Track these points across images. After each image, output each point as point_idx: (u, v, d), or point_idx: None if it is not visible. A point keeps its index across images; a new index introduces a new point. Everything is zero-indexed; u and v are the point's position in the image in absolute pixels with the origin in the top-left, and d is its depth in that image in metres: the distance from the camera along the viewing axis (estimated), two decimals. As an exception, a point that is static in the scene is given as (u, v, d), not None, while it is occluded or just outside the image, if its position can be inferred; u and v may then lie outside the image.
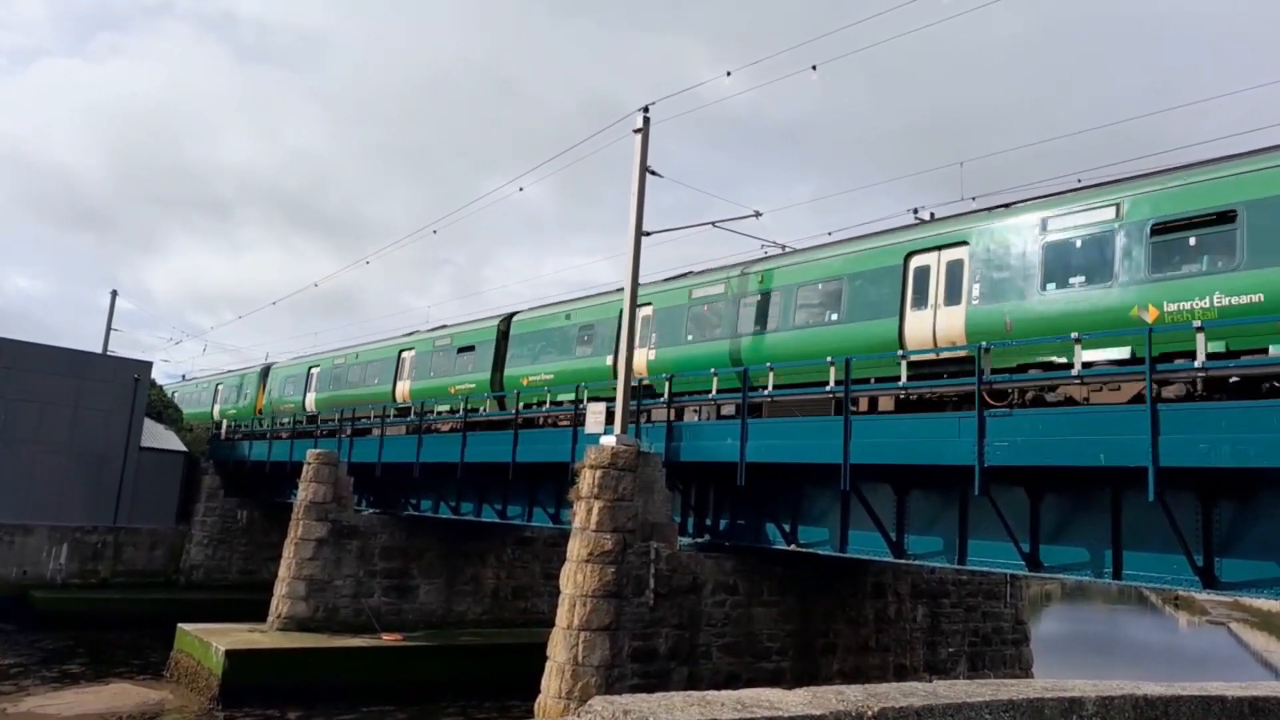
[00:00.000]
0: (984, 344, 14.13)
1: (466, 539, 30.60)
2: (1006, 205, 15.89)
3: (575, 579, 17.05)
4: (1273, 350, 11.93)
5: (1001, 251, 15.21)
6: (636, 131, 19.60)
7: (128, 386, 40.09)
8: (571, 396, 23.16)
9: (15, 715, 21.96)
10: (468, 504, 26.97)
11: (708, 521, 19.73)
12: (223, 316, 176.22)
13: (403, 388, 32.06)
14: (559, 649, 16.78)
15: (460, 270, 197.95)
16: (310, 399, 39.20)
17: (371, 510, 30.52)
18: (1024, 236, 14.97)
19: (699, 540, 19.41)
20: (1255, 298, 11.99)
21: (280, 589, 28.05)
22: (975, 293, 15.45)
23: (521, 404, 24.43)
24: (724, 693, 3.75)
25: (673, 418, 19.35)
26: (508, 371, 27.04)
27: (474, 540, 30.81)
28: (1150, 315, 12.85)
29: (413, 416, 29.60)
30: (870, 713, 3.76)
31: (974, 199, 20.19)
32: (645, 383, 21.11)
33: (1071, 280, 14.20)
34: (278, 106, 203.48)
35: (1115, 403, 13.19)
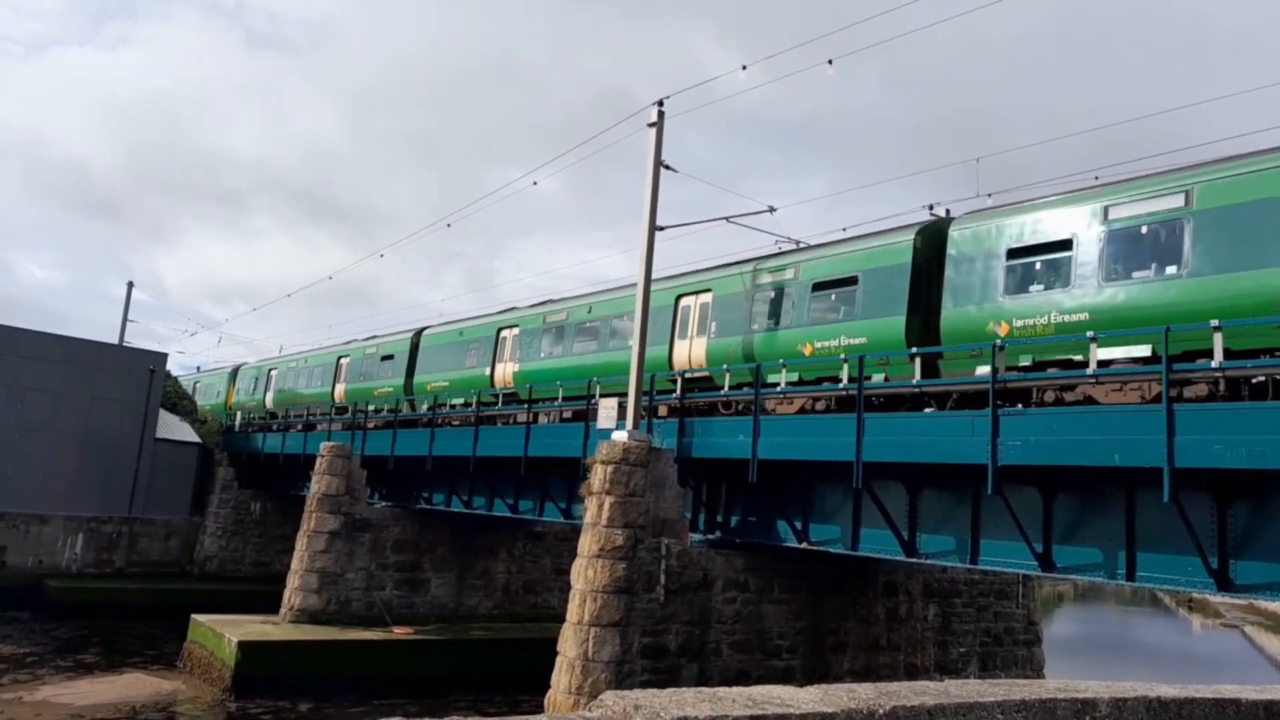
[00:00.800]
0: (998, 342, 14.08)
1: (478, 533, 30.69)
2: (740, 262, 20.60)
3: (586, 574, 17.07)
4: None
5: (730, 298, 20.12)
6: (651, 125, 19.56)
7: (143, 378, 40.35)
8: (462, 400, 28.19)
9: (30, 704, 22.16)
10: (480, 498, 27.05)
11: (719, 518, 19.72)
12: (234, 306, 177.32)
13: (340, 390, 37.26)
14: (569, 644, 16.80)
15: (472, 262, 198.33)
16: (269, 397, 44.27)
17: (384, 503, 30.63)
18: (745, 283, 19.97)
19: (710, 537, 19.39)
20: (861, 339, 16.83)
21: (293, 581, 28.20)
22: (713, 328, 20.64)
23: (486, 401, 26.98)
24: (735, 689, 3.74)
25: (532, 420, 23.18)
26: (416, 378, 31.83)
27: (485, 534, 30.89)
28: (808, 350, 17.94)
29: (422, 411, 29.90)
30: (882, 711, 3.75)
31: (989, 195, 20.07)
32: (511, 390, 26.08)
33: (766, 321, 19.28)
34: (287, 95, 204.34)
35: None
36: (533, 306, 27.59)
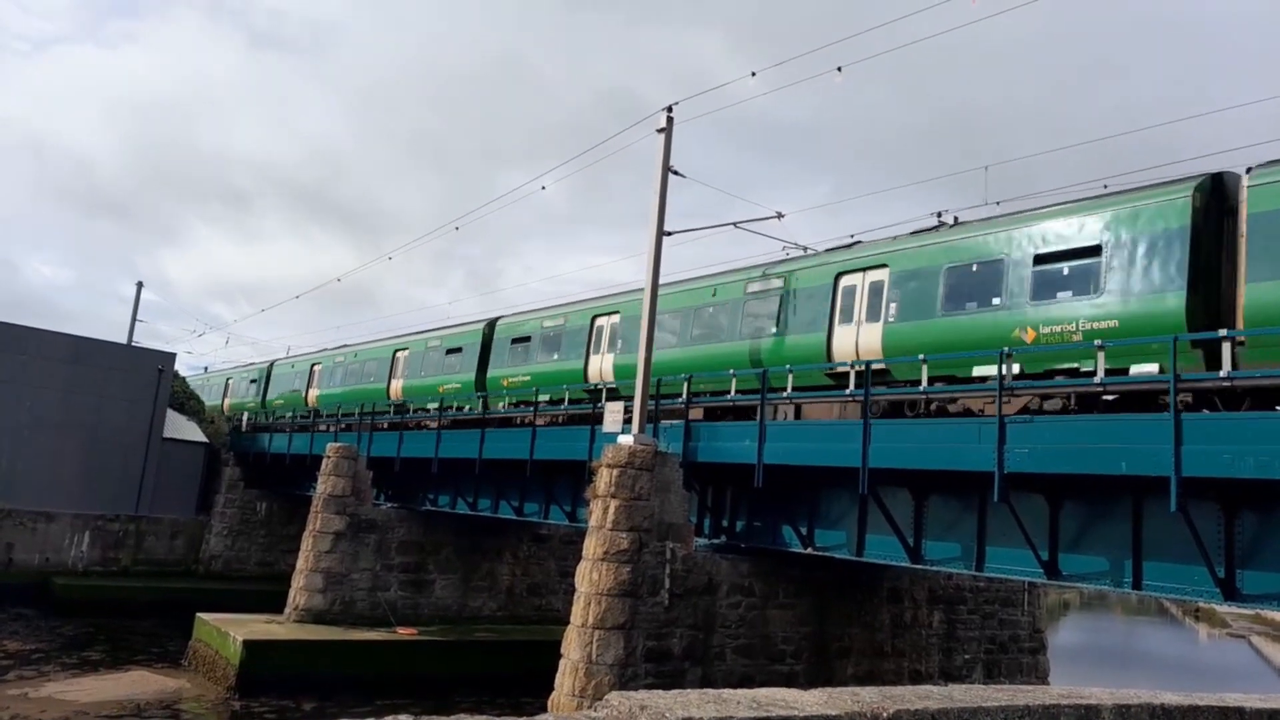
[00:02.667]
0: (1005, 349, 14.07)
1: (483, 535, 30.72)
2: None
3: (591, 577, 17.08)
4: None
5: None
6: (660, 131, 19.58)
7: (151, 377, 40.51)
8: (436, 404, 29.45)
9: (36, 700, 22.24)
10: (485, 500, 27.08)
11: (724, 523, 19.72)
12: (240, 306, 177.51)
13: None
14: (573, 647, 16.81)
15: (476, 264, 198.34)
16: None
17: (390, 504, 30.68)
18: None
19: (715, 541, 19.39)
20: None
21: (298, 581, 28.25)
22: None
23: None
24: (740, 691, 3.76)
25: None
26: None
27: (490, 536, 30.93)
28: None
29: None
30: (886, 714, 3.76)
31: (998, 203, 20.08)
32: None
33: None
34: (292, 95, 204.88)
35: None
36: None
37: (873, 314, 17.73)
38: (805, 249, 20.17)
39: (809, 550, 17.63)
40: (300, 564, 28.57)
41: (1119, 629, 66.80)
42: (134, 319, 52.49)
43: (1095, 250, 14.36)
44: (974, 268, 16.02)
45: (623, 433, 18.60)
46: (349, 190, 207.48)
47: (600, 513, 17.48)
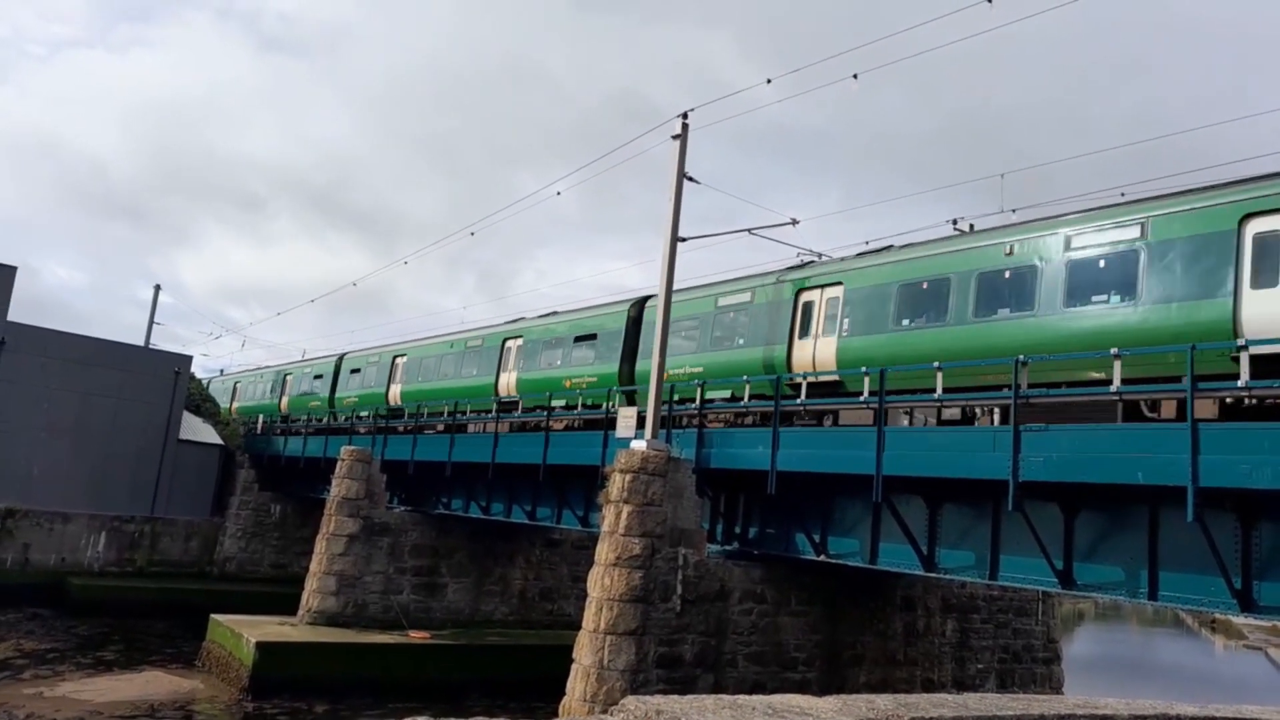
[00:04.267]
0: (1020, 357, 14.00)
1: (496, 539, 30.77)
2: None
3: (603, 582, 17.09)
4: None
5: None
6: (675, 138, 19.63)
7: (168, 380, 40.79)
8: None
9: (51, 699, 22.39)
10: (498, 504, 27.13)
11: (737, 529, 19.70)
12: (254, 309, 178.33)
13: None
14: (585, 652, 16.82)
15: (488, 268, 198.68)
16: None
17: (403, 508, 30.78)
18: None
19: (727, 548, 19.37)
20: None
21: (311, 583, 28.37)
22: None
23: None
24: (755, 697, 3.77)
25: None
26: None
27: (503, 541, 30.97)
28: None
29: (446, 417, 29.84)
30: (900, 722, 3.76)
31: (1014, 211, 20.02)
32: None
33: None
34: (303, 99, 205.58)
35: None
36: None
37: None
38: (820, 255, 20.17)
39: (822, 557, 17.59)
40: (314, 566, 28.69)
41: (1134, 640, 66.27)
42: (151, 321, 52.89)
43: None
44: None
45: (635, 438, 18.62)
46: (360, 193, 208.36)
47: (613, 518, 17.49)
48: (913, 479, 15.07)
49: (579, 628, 17.49)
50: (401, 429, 32.70)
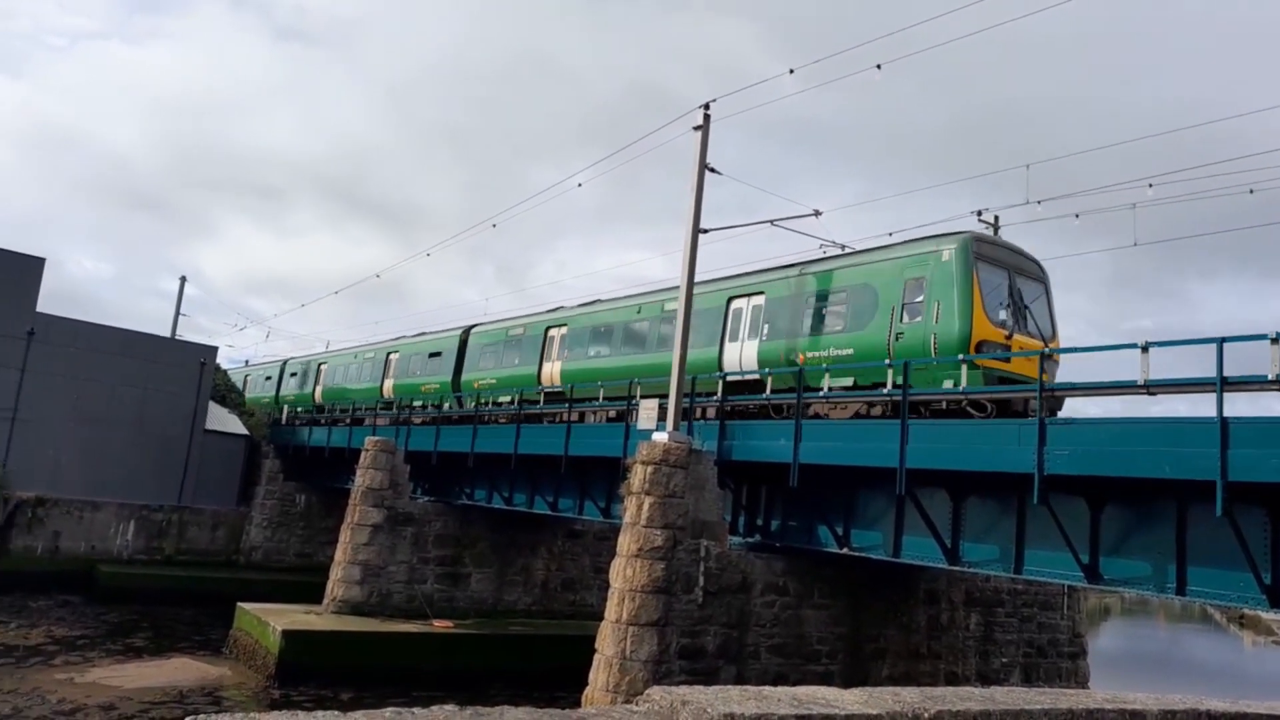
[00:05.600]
0: (1046, 349, 13.92)
1: (518, 530, 30.91)
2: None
3: (625, 573, 17.13)
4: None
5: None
6: (696, 129, 19.58)
7: (194, 370, 41.22)
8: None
9: (81, 685, 22.73)
10: (520, 495, 27.24)
11: (759, 521, 19.68)
12: (276, 300, 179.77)
13: (389, 386, 37.29)
14: (607, 642, 16.88)
15: (507, 258, 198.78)
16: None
17: (427, 498, 30.98)
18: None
19: (750, 540, 19.36)
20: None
21: (336, 573, 28.62)
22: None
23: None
24: (780, 689, 3.76)
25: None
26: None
27: (525, 531, 31.11)
28: None
29: (472, 407, 30.06)
30: (927, 715, 3.75)
31: (1039, 203, 19.80)
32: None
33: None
34: (320, 89, 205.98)
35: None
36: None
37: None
38: (843, 247, 20.07)
39: (845, 550, 17.55)
40: (338, 556, 28.94)
41: (1161, 635, 65.68)
42: (177, 313, 53.49)
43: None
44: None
45: (657, 430, 18.63)
46: (380, 184, 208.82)
47: (634, 509, 17.53)
48: (937, 472, 14.99)
49: (601, 618, 17.55)
50: (456, 419, 31.43)
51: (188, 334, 53.29)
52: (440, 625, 27.53)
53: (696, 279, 19.88)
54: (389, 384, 38.36)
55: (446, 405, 33.30)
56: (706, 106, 19.44)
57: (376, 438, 30.30)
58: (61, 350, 37.89)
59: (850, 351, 18.46)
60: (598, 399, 24.29)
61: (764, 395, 18.97)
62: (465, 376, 32.78)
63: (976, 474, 14.63)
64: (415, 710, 2.72)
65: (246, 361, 62.47)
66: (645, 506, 17.30)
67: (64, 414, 37.64)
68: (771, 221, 19.74)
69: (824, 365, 18.05)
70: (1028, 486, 13.31)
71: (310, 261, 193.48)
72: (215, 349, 43.95)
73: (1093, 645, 25.68)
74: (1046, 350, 15.79)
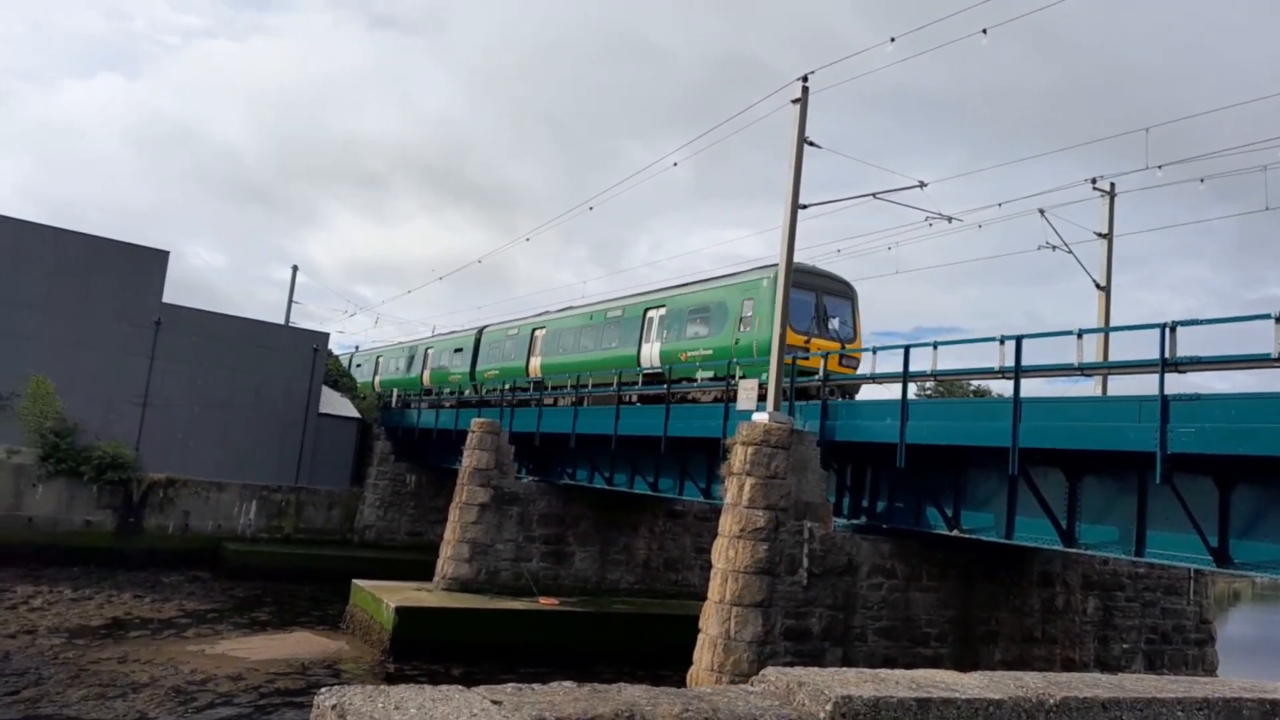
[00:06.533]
0: (1168, 322, 13.26)
1: (619, 509, 31.21)
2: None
3: (727, 554, 17.11)
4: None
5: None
6: (795, 102, 19.24)
7: (308, 356, 42.85)
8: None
9: (212, 656, 24.00)
10: (621, 475, 27.48)
11: (864, 503, 19.39)
12: (382, 286, 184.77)
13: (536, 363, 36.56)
14: (711, 622, 16.91)
15: (600, 239, 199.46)
16: (535, 362, 43.65)
17: (530, 478, 31.54)
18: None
19: (855, 522, 19.10)
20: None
21: (445, 551, 29.44)
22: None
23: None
24: (897, 671, 3.69)
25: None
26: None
27: (626, 511, 31.39)
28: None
29: (569, 389, 30.58)
30: (1052, 701, 3.62)
31: (1160, 168, 18.85)
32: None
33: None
34: (414, 75, 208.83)
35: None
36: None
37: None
38: (950, 219, 19.48)
39: (955, 532, 17.14)
40: (447, 534, 29.75)
41: (1294, 622, 62.21)
42: (290, 301, 55.60)
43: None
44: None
45: (757, 410, 18.50)
46: (474, 168, 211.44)
47: (735, 490, 17.47)
48: (1051, 451, 14.49)
49: (703, 598, 17.58)
50: (550, 401, 32.11)
51: (300, 321, 55.35)
52: (546, 602, 28.05)
53: (624, 294, 30.07)
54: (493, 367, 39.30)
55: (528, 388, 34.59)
56: (804, 79, 19.08)
57: (482, 419, 30.97)
58: (185, 339, 39.87)
59: (710, 352, 25.25)
60: (565, 386, 31.51)
61: (663, 384, 25.16)
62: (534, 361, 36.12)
63: (1093, 452, 14.09)
64: (535, 686, 2.76)
65: (356, 347, 64.61)
66: (746, 487, 17.23)
67: (189, 399, 39.65)
68: (874, 195, 19.29)
69: (692, 364, 25.64)
70: (1149, 465, 12.75)
71: (411, 246, 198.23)
72: (327, 335, 45.58)
73: (1221, 632, 24.49)
74: (843, 350, 22.36)
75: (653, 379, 26.89)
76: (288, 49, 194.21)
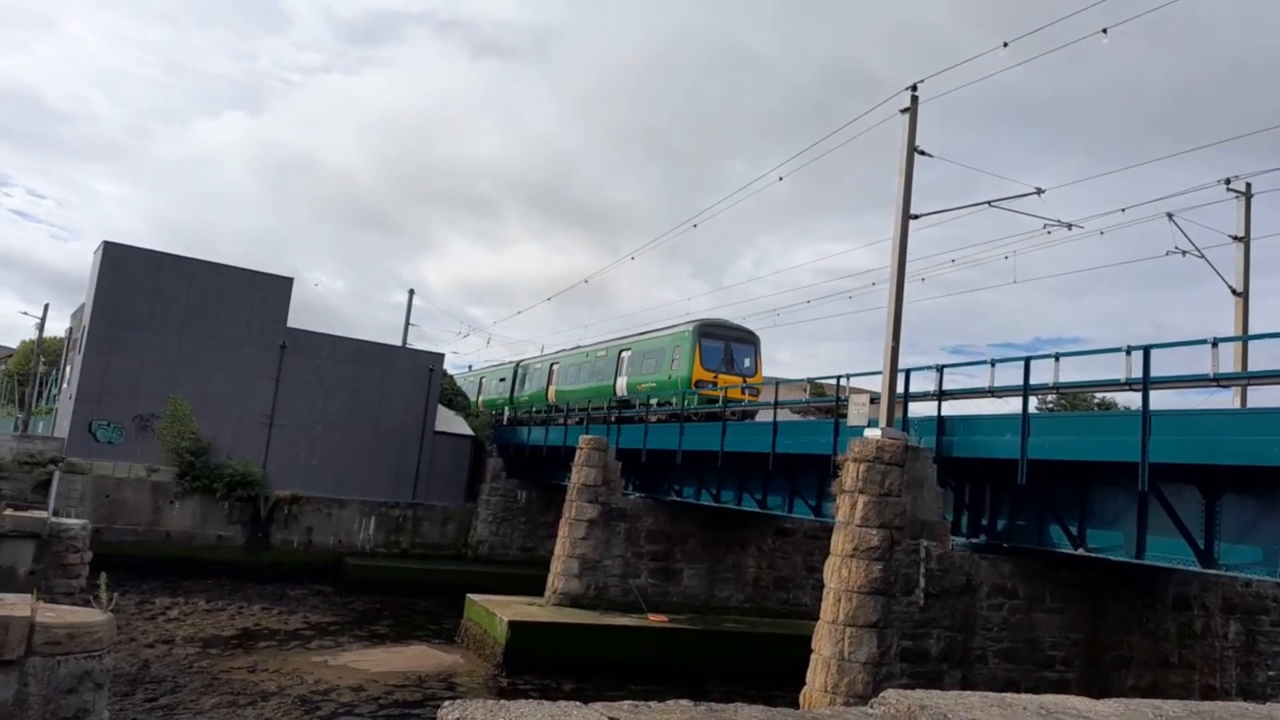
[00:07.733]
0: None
1: (727, 527, 31.00)
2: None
3: (840, 573, 16.79)
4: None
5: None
6: (904, 111, 18.90)
7: (424, 376, 44.15)
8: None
9: (334, 667, 24.84)
10: (728, 492, 27.30)
11: (983, 521, 18.73)
12: (492, 307, 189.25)
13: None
14: (824, 643, 16.60)
15: (703, 256, 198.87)
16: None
17: (637, 494, 31.65)
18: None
19: (973, 541, 18.47)
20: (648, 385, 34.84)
21: (556, 566, 29.78)
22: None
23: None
24: (1025, 696, 3.54)
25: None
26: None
27: (734, 529, 31.15)
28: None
29: (674, 406, 30.77)
30: (1195, 732, 3.41)
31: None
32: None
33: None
34: (519, 100, 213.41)
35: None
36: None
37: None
38: (1069, 226, 18.75)
39: (1080, 551, 16.38)
40: (557, 550, 30.09)
41: None
42: (407, 323, 57.32)
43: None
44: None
45: (869, 426, 18.13)
46: (578, 189, 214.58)
47: (848, 508, 17.13)
48: (1184, 466, 13.73)
49: (814, 617, 17.27)
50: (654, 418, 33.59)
51: (416, 342, 57.07)
52: (655, 619, 28.04)
53: (601, 339, 40.07)
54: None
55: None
56: (914, 88, 18.73)
57: (590, 436, 31.27)
58: (308, 361, 41.64)
59: (655, 384, 33.87)
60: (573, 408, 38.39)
61: (633, 409, 34.30)
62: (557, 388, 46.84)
63: (1233, 468, 13.28)
64: (651, 704, 2.75)
65: (469, 367, 66.21)
66: (859, 505, 16.88)
67: (311, 419, 41.34)
68: (989, 203, 18.74)
69: (645, 392, 34.15)
70: (1297, 482, 11.94)
71: (521, 268, 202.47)
72: (442, 355, 46.86)
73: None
74: (745, 384, 31.24)
75: (625, 404, 35.68)
76: (397, 79, 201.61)
